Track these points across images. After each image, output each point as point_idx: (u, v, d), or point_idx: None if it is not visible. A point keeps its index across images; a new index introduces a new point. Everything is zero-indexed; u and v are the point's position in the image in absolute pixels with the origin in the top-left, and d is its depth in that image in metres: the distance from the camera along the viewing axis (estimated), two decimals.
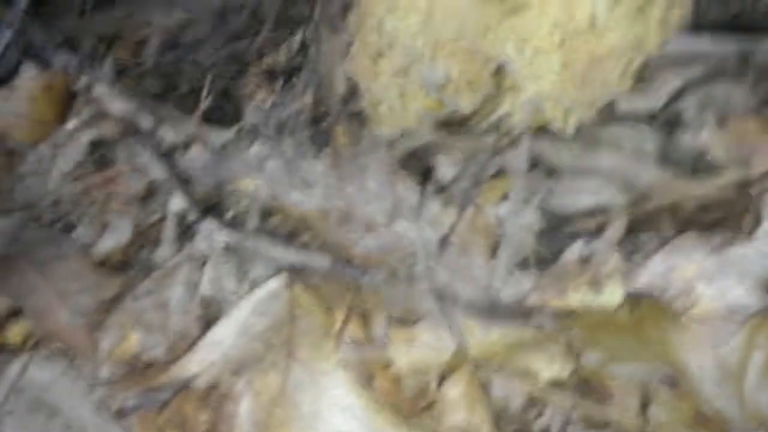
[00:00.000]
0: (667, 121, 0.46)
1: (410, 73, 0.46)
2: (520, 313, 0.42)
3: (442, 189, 0.46)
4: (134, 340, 0.47)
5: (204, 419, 0.43)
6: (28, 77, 0.51)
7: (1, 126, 0.51)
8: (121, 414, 0.43)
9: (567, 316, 0.41)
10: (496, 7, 0.43)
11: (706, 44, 0.46)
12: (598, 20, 0.42)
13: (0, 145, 0.56)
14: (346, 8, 0.55)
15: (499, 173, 0.47)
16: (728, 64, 0.46)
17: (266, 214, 0.48)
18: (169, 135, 0.53)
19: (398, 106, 0.48)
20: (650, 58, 0.45)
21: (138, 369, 0.45)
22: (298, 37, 0.58)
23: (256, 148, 0.49)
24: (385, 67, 0.47)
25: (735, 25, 0.50)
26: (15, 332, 0.45)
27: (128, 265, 0.49)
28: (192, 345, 0.45)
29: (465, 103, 0.47)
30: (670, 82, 0.46)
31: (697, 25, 0.48)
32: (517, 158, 0.45)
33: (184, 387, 0.44)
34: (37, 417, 0.42)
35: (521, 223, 0.45)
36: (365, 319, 0.44)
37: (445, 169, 0.47)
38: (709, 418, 0.39)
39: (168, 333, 0.47)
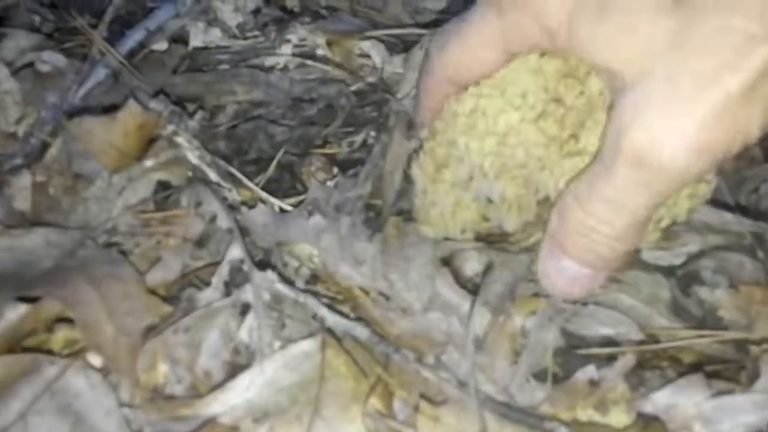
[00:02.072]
0: (684, 277, 0.52)
1: (470, 186, 0.52)
2: (533, 417, 0.45)
3: (477, 292, 0.51)
4: (161, 371, 0.49)
5: None
6: (129, 113, 0.56)
7: (96, 149, 0.55)
8: None
9: (578, 426, 0.44)
10: (558, 148, 0.49)
11: (726, 220, 0.53)
12: None
13: (67, 169, 0.60)
14: (411, 122, 0.63)
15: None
16: (743, 240, 0.53)
17: (315, 278, 0.52)
18: (232, 193, 0.58)
19: (449, 213, 0.54)
20: (677, 221, 0.51)
21: (163, 397, 0.47)
22: (362, 136, 0.65)
23: (316, 220, 0.53)
24: (447, 176, 0.53)
25: (744, 210, 0.58)
26: (59, 337, 0.47)
27: (174, 300, 0.51)
28: (214, 388, 0.47)
29: (510, 223, 0.53)
30: (690, 244, 0.53)
31: (717, 203, 0.55)
32: None
33: (205, 424, 0.46)
34: (63, 421, 0.44)
35: (544, 338, 0.49)
36: (390, 393, 0.47)
37: (483, 275, 0.52)
38: None
39: (193, 372, 0.49)
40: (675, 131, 0.39)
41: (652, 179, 0.41)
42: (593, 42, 0.43)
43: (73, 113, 0.61)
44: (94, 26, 0.69)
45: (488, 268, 0.51)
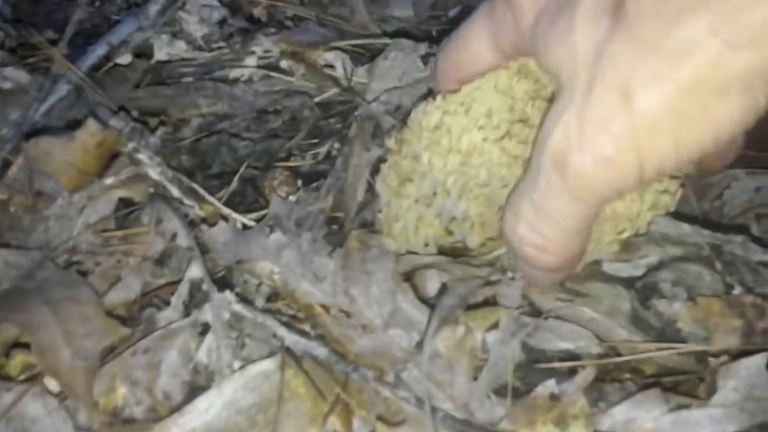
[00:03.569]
0: (643, 289, 0.52)
1: (433, 203, 0.52)
2: None
3: (436, 306, 0.50)
4: (120, 394, 0.49)
5: None
6: (89, 132, 0.56)
7: (55, 169, 0.55)
8: None
9: None
10: (521, 166, 0.49)
11: (685, 231, 0.53)
12: None
13: (29, 187, 0.60)
14: (377, 129, 0.62)
15: (487, 302, 0.51)
16: (702, 252, 0.53)
17: (275, 296, 0.52)
18: (194, 209, 0.57)
19: (412, 228, 0.53)
20: (638, 232, 0.51)
21: (121, 420, 0.47)
22: (325, 148, 0.64)
23: (276, 237, 0.53)
24: (410, 191, 0.52)
25: (704, 221, 0.58)
26: (16, 362, 0.47)
27: (133, 320, 0.51)
28: (173, 409, 0.47)
29: (473, 240, 0.52)
30: (650, 256, 0.53)
31: (677, 213, 0.55)
32: (512, 295, 0.50)
33: None
34: None
35: (505, 353, 0.49)
36: (350, 413, 0.47)
37: (441, 288, 0.51)
38: None
39: (153, 393, 0.49)
40: (584, 140, 0.39)
41: (568, 187, 0.40)
42: (543, 43, 0.42)
43: (35, 131, 0.60)
44: (56, 41, 0.68)
45: (446, 284, 0.51)
